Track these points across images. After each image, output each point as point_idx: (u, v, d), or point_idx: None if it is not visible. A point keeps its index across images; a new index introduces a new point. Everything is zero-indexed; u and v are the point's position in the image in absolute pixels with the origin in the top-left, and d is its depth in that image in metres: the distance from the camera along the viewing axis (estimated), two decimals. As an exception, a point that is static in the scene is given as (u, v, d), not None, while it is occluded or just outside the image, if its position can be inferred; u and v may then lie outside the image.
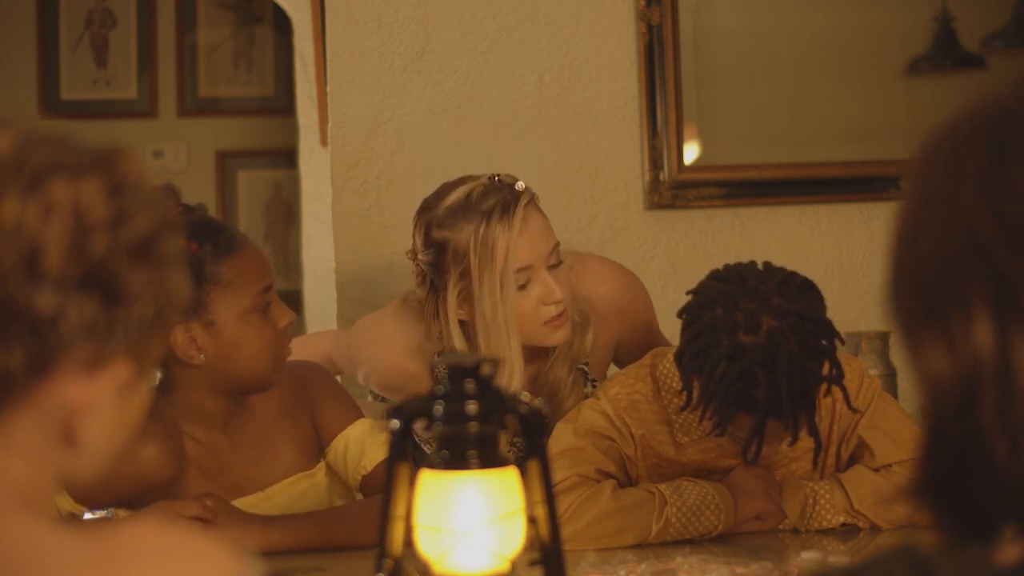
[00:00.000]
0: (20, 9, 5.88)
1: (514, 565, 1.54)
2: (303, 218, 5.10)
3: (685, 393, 2.20)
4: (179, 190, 2.27)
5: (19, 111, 5.76)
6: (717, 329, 2.13)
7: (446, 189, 2.52)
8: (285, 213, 6.03)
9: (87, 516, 2.31)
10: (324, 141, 4.37)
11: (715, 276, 2.23)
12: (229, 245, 2.26)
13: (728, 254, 3.43)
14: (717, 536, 2.26)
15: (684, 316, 2.21)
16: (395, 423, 1.57)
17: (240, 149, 6.06)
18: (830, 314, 2.20)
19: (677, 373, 2.27)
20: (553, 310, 2.48)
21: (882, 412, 2.36)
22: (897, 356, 3.30)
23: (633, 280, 2.77)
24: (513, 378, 2.47)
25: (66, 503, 2.23)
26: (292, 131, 5.25)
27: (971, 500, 0.90)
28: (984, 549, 0.89)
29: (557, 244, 2.52)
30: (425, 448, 2.45)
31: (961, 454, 0.90)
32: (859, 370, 2.37)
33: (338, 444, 2.41)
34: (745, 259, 3.40)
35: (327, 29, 3.31)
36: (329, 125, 3.33)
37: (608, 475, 2.30)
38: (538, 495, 1.58)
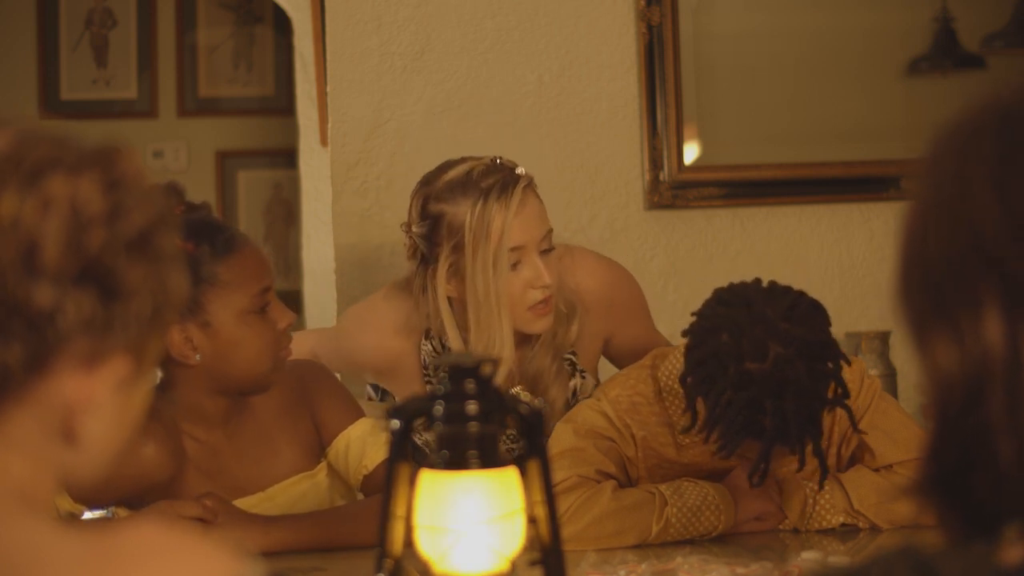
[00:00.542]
0: (20, 9, 5.88)
1: (514, 565, 1.54)
2: (303, 218, 5.11)
3: (689, 413, 2.18)
4: (183, 188, 2.27)
5: (19, 111, 5.76)
6: (723, 356, 2.10)
7: (448, 165, 2.57)
8: (285, 213, 6.03)
9: (86, 515, 2.31)
10: (324, 141, 4.37)
11: (720, 300, 2.18)
12: (227, 245, 2.25)
13: (728, 254, 3.43)
14: (717, 536, 2.26)
15: (688, 339, 2.18)
16: (395, 423, 1.57)
17: (240, 149, 6.06)
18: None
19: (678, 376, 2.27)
20: (540, 295, 2.52)
21: (882, 412, 2.36)
22: (897, 356, 3.30)
23: (622, 274, 2.78)
24: (503, 356, 2.50)
25: (65, 502, 2.23)
26: (292, 131, 5.25)
27: (975, 498, 0.91)
28: (987, 549, 0.89)
29: (550, 231, 2.55)
30: (417, 439, 2.46)
31: (966, 452, 0.91)
32: (859, 370, 2.37)
33: (339, 444, 2.41)
34: (745, 259, 3.42)
35: (327, 29, 3.31)
36: (329, 125, 3.33)
37: (608, 476, 2.29)
38: (538, 495, 1.58)
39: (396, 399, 2.77)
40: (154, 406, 2.29)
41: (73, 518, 2.25)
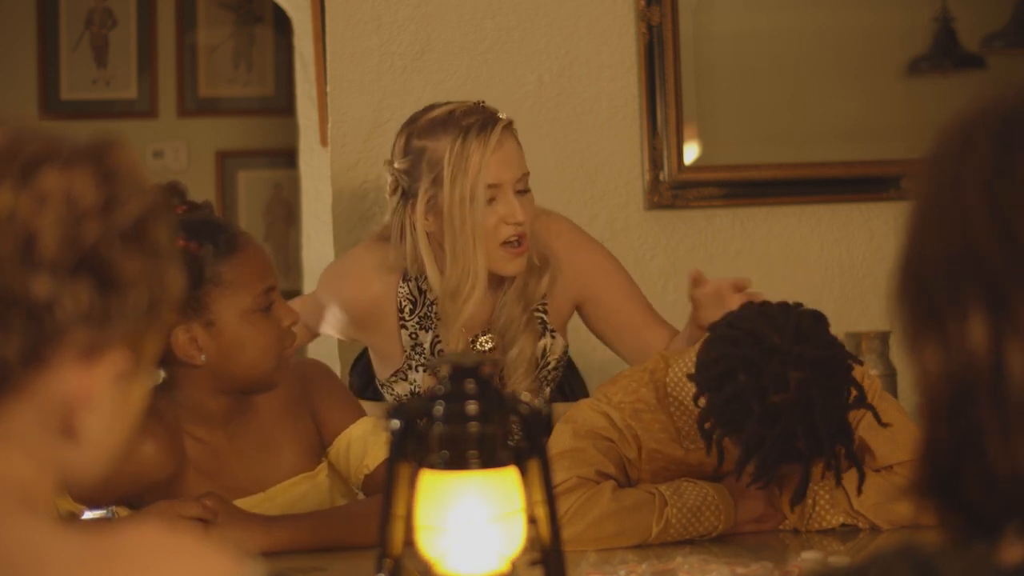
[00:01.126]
0: (20, 9, 5.88)
1: (514, 565, 1.54)
2: (303, 218, 5.10)
3: (716, 452, 2.17)
4: (185, 188, 2.27)
5: (19, 111, 5.76)
6: (746, 396, 2.09)
7: (433, 106, 2.66)
8: (285, 213, 6.03)
9: (86, 515, 2.31)
10: (324, 141, 4.36)
11: (724, 338, 2.15)
12: (230, 245, 2.25)
13: (728, 254, 3.43)
14: (717, 536, 2.26)
15: (702, 384, 2.15)
16: (395, 423, 1.57)
17: (240, 149, 6.06)
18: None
19: (685, 386, 2.27)
20: (512, 231, 2.59)
21: (883, 413, 2.36)
22: (897, 356, 3.30)
23: (591, 243, 2.81)
24: (476, 287, 2.59)
25: (65, 502, 2.23)
26: (292, 131, 5.25)
27: (969, 499, 0.91)
28: (987, 549, 0.89)
29: (526, 174, 2.63)
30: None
31: (957, 453, 0.91)
32: (860, 371, 2.37)
33: (340, 443, 2.41)
34: (745, 259, 3.42)
35: (327, 29, 3.31)
36: (329, 125, 3.33)
37: (608, 477, 2.29)
38: (538, 495, 1.57)
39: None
40: (155, 406, 2.31)
41: (73, 518, 2.25)
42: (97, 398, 1.00)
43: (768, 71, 3.46)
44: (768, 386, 2.08)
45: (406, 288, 2.70)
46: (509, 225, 2.59)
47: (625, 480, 2.33)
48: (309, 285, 5.02)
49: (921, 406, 0.94)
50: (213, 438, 2.35)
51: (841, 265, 3.47)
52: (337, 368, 3.14)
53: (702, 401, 2.15)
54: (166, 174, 5.71)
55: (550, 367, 2.74)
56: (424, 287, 2.69)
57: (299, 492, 2.39)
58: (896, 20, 3.49)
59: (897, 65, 3.51)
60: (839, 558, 2.12)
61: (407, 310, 2.71)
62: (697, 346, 2.29)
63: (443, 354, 2.67)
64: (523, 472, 1.57)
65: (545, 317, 2.72)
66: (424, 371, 2.71)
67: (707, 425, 2.14)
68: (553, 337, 2.73)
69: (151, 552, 0.92)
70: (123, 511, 2.33)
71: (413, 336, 2.71)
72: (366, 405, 2.58)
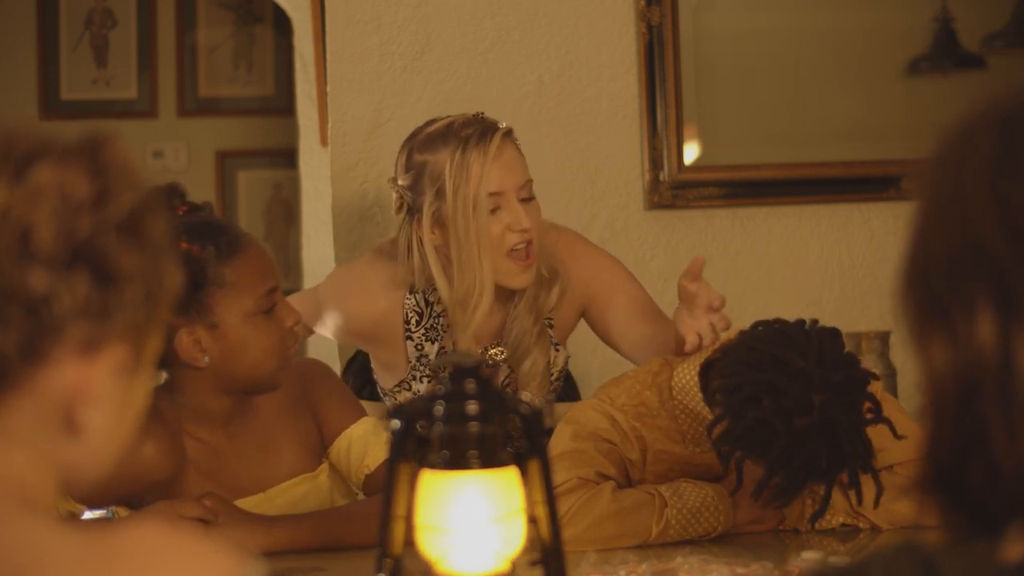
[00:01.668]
0: (20, 9, 5.88)
1: (514, 565, 1.54)
2: (303, 218, 5.11)
3: (735, 474, 2.17)
4: (185, 189, 2.28)
5: (19, 111, 5.77)
6: (770, 420, 2.09)
7: (432, 121, 2.66)
8: (285, 213, 6.03)
9: (86, 515, 2.31)
10: (324, 141, 4.37)
11: (744, 361, 2.15)
12: (232, 246, 2.25)
13: (728, 254, 3.43)
14: (717, 536, 2.26)
15: (725, 410, 2.15)
16: (396, 423, 1.57)
17: (240, 149, 6.06)
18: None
19: (690, 391, 2.27)
20: (518, 238, 2.58)
21: (885, 414, 2.36)
22: (897, 356, 3.30)
23: (603, 257, 2.79)
24: (484, 296, 2.58)
25: (65, 502, 2.23)
26: (292, 131, 5.25)
27: (973, 496, 0.91)
28: (989, 546, 0.89)
29: (529, 181, 2.62)
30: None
31: (962, 450, 0.91)
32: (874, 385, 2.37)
33: (341, 443, 2.40)
34: (745, 259, 3.42)
35: (327, 29, 3.31)
36: (329, 125, 3.33)
37: (608, 478, 2.29)
38: (539, 495, 1.57)
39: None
40: (156, 406, 2.31)
41: (73, 518, 2.25)
42: (98, 392, 1.00)
43: (768, 71, 3.46)
44: (793, 411, 2.08)
45: (413, 300, 2.69)
46: (515, 233, 2.58)
47: (626, 482, 2.33)
48: (309, 285, 5.01)
49: (926, 403, 0.95)
50: (213, 438, 2.35)
51: (841, 265, 3.47)
52: (337, 368, 3.14)
53: (722, 426, 2.14)
54: (166, 174, 5.71)
55: (554, 378, 2.75)
56: (431, 299, 2.68)
57: (300, 493, 2.39)
58: (896, 20, 3.49)
59: (897, 65, 3.51)
60: (839, 558, 2.12)
61: (413, 322, 2.70)
62: (702, 355, 2.30)
63: (444, 353, 2.67)
64: (523, 472, 1.57)
65: (550, 330, 2.72)
66: (428, 382, 2.71)
67: (725, 448, 2.14)
68: (557, 350, 2.74)
69: (152, 552, 0.92)
70: (123, 511, 2.33)
71: (419, 347, 2.70)
72: (366, 405, 2.58)
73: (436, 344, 2.69)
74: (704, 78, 3.40)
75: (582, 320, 2.81)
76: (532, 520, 1.57)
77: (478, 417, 1.54)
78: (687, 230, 3.41)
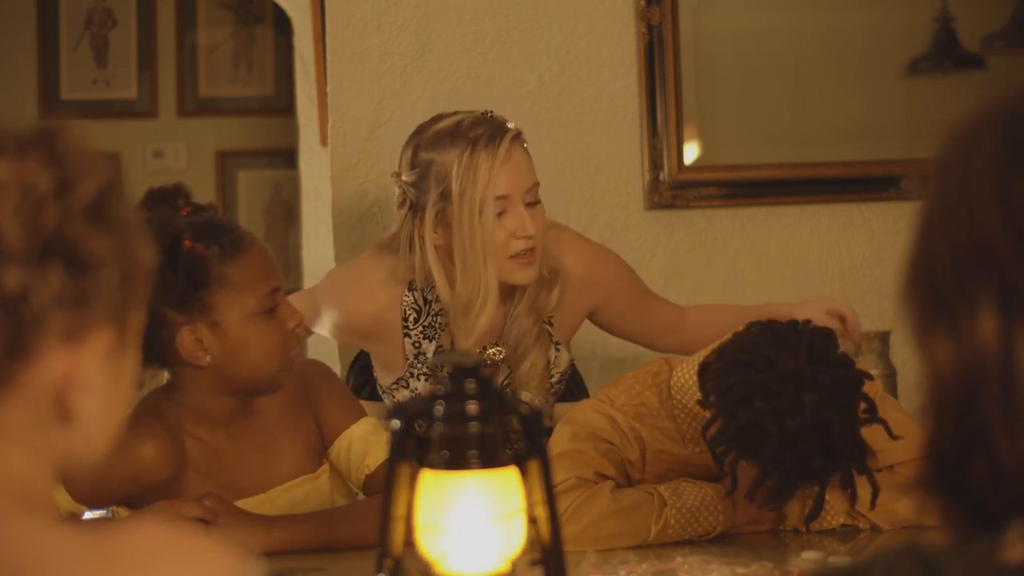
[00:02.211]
0: (20, 9, 5.88)
1: (514, 565, 1.54)
2: (303, 218, 5.11)
3: (729, 476, 2.18)
4: (190, 190, 2.28)
5: (19, 111, 5.77)
6: (763, 421, 2.09)
7: (440, 116, 2.63)
8: (285, 213, 6.03)
9: (87, 515, 2.31)
10: (324, 141, 4.37)
11: (737, 362, 2.16)
12: (235, 246, 2.26)
13: (728, 254, 3.43)
14: (717, 536, 2.26)
15: (717, 411, 2.15)
16: (395, 423, 1.57)
17: (240, 149, 6.06)
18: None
19: (689, 390, 2.27)
20: (522, 244, 2.57)
21: (884, 414, 2.36)
22: (897, 356, 3.30)
23: (602, 256, 2.81)
24: (488, 302, 2.56)
25: (66, 502, 2.23)
26: (292, 131, 5.25)
27: (975, 494, 0.91)
28: (989, 546, 0.89)
29: (536, 184, 2.60)
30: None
31: (964, 448, 0.91)
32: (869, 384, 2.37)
33: (341, 443, 2.40)
34: (745, 259, 3.42)
35: (327, 29, 3.31)
36: (329, 125, 3.33)
37: (607, 478, 2.29)
38: (539, 495, 1.57)
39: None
40: (157, 406, 2.31)
41: (74, 518, 2.25)
42: (87, 378, 1.00)
43: (768, 71, 3.46)
44: (784, 411, 2.08)
45: (411, 297, 2.68)
46: (519, 239, 2.56)
47: (625, 482, 2.33)
48: (309, 285, 5.01)
49: (928, 401, 0.95)
50: (214, 438, 2.35)
51: (841, 265, 3.47)
52: (337, 368, 3.14)
53: (716, 427, 2.15)
54: (166, 174, 5.71)
55: (554, 380, 2.73)
56: (430, 297, 2.66)
57: (300, 494, 2.39)
58: (896, 20, 3.49)
59: (897, 65, 3.51)
60: (839, 558, 2.12)
61: (411, 319, 2.68)
62: (701, 354, 2.29)
63: (442, 352, 2.67)
64: (523, 472, 1.57)
65: (551, 330, 2.71)
66: (426, 380, 2.70)
67: (719, 450, 2.15)
68: (558, 350, 2.72)
69: (152, 551, 0.92)
70: (123, 511, 2.34)
71: (416, 345, 2.69)
72: (366, 405, 2.58)
73: (434, 342, 2.68)
74: (704, 78, 3.40)
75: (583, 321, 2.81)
76: (532, 520, 1.57)
77: (478, 417, 1.54)
78: (687, 230, 3.41)
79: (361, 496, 2.43)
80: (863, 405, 2.15)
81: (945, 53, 3.50)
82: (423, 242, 2.59)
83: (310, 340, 3.43)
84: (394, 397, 2.75)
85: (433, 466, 1.55)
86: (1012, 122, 0.93)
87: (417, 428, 1.55)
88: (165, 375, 2.35)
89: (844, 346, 2.29)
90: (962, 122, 0.96)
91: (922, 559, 0.90)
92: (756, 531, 2.30)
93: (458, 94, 3.28)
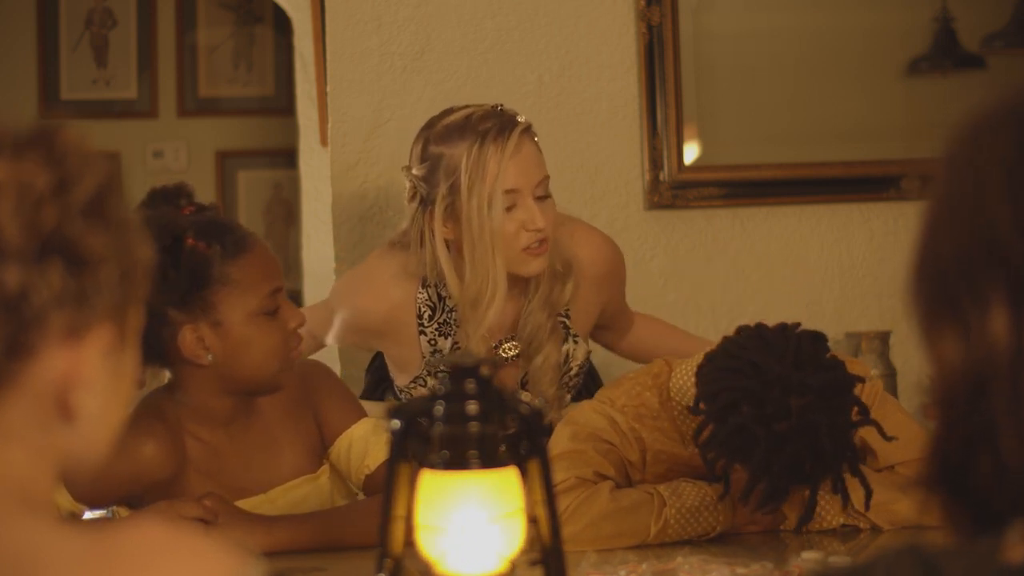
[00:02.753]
0: (20, 9, 5.88)
1: (514, 565, 1.54)
2: (303, 218, 5.11)
3: (723, 482, 2.19)
4: (192, 189, 2.28)
5: (19, 111, 5.77)
6: (750, 426, 2.09)
7: (450, 110, 2.62)
8: (285, 213, 6.03)
9: (87, 515, 2.31)
10: (324, 141, 4.37)
11: (724, 367, 2.16)
12: (238, 246, 2.26)
13: (728, 254, 3.43)
14: (717, 536, 2.26)
15: (706, 416, 2.16)
16: (395, 423, 1.57)
17: (240, 149, 6.06)
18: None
19: (688, 391, 2.27)
20: (533, 237, 2.56)
21: (885, 414, 2.36)
22: (897, 356, 3.30)
23: (617, 251, 2.82)
24: (496, 295, 2.56)
25: (66, 502, 2.23)
26: (292, 131, 5.25)
27: (979, 493, 0.91)
28: (991, 547, 0.89)
29: (546, 178, 2.60)
30: None
31: (970, 446, 0.91)
32: (862, 372, 2.37)
33: (341, 443, 2.40)
34: (745, 259, 3.42)
35: (327, 29, 3.31)
36: (329, 125, 3.33)
37: (606, 479, 2.29)
38: (539, 495, 1.57)
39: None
40: (158, 405, 2.31)
41: (74, 518, 2.25)
42: (88, 376, 1.01)
43: (768, 71, 3.46)
44: (771, 416, 2.08)
45: (425, 294, 2.66)
46: (529, 232, 2.55)
47: (625, 482, 2.33)
48: (309, 285, 5.02)
49: (935, 399, 0.95)
50: (215, 438, 2.35)
51: (841, 265, 3.47)
52: (337, 369, 3.14)
53: (706, 432, 2.15)
54: (166, 174, 5.72)
55: (572, 373, 2.72)
56: (444, 293, 2.65)
57: (301, 494, 2.39)
58: (896, 20, 3.50)
59: (897, 65, 3.51)
60: (839, 558, 2.12)
61: (426, 316, 2.67)
62: (699, 356, 2.29)
63: (458, 349, 2.66)
64: (523, 472, 1.57)
65: (567, 322, 2.70)
66: None
67: (711, 455, 2.15)
68: (576, 342, 2.71)
69: (152, 551, 0.92)
70: (123, 511, 2.34)
71: (432, 343, 2.68)
72: (368, 405, 2.58)
73: (449, 339, 2.67)
74: (704, 78, 3.40)
75: None
76: (532, 520, 1.57)
77: (478, 417, 1.54)
78: (687, 230, 3.41)
79: (361, 496, 2.43)
80: (856, 408, 2.15)
81: (945, 53, 3.50)
82: (433, 236, 2.58)
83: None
84: (412, 396, 2.74)
85: (433, 466, 1.55)
86: (1021, 121, 0.94)
87: (422, 422, 1.55)
88: (166, 375, 2.35)
89: None
90: (968, 121, 0.96)
91: (923, 559, 0.90)
92: (756, 531, 2.30)
93: (458, 94, 3.28)
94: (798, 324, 2.20)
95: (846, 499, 2.20)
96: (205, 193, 5.75)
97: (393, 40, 3.28)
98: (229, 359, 2.26)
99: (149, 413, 2.30)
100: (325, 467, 2.42)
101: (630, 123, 3.38)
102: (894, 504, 2.27)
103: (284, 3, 4.81)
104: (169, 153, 6.00)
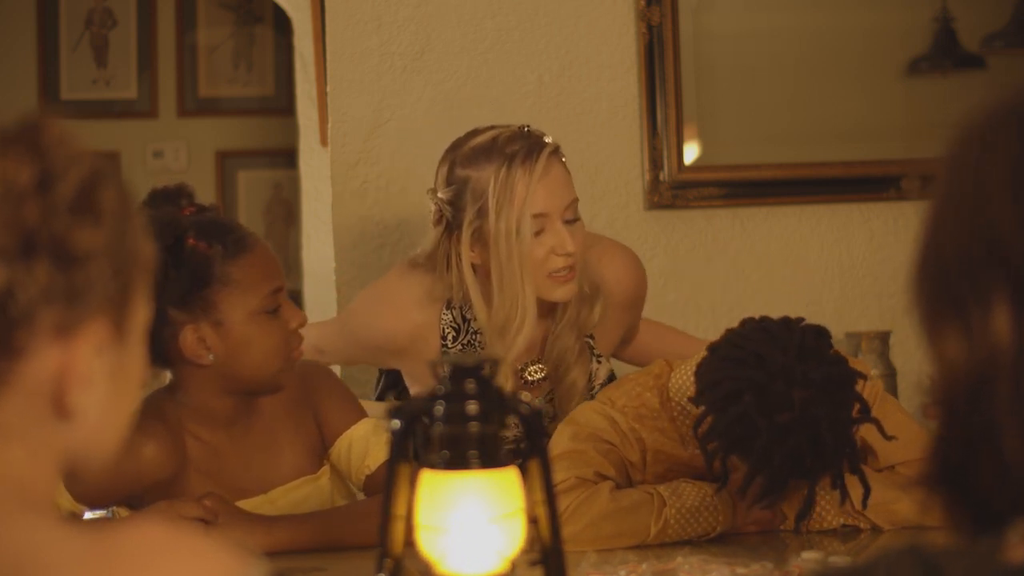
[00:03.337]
0: (20, 9, 5.88)
1: (514, 565, 1.54)
2: (303, 218, 5.11)
3: (721, 475, 2.18)
4: (193, 190, 2.28)
5: (19, 111, 5.76)
6: (751, 417, 2.09)
7: (476, 132, 2.57)
8: (285, 213, 6.03)
9: (87, 515, 2.31)
10: (324, 141, 4.37)
11: (727, 357, 2.16)
12: (239, 245, 2.26)
13: (728, 254, 3.43)
14: (717, 536, 2.26)
15: (707, 405, 2.15)
16: (395, 423, 1.57)
17: (240, 149, 6.06)
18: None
19: (688, 392, 2.27)
20: (562, 262, 2.51)
21: (885, 414, 2.36)
22: (897, 356, 3.30)
23: (644, 274, 2.79)
24: (526, 322, 2.51)
25: (66, 503, 2.23)
26: (292, 131, 5.25)
27: (980, 493, 0.91)
28: (991, 547, 0.89)
29: (575, 200, 2.54)
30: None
31: (971, 446, 0.91)
32: (862, 371, 2.37)
33: (341, 444, 2.40)
34: (745, 259, 3.42)
35: (327, 29, 3.31)
36: (329, 125, 3.33)
37: (607, 479, 2.29)
38: (539, 495, 1.58)
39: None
40: (158, 405, 2.31)
41: (74, 518, 2.25)
42: (83, 373, 1.00)
43: (768, 71, 3.46)
44: (773, 407, 2.08)
45: (449, 316, 2.61)
46: (559, 256, 2.50)
47: (626, 483, 2.33)
48: (309, 285, 5.03)
49: (936, 398, 0.95)
50: (215, 438, 2.35)
51: (841, 265, 3.47)
52: (337, 369, 3.14)
53: (707, 422, 2.15)
54: (166, 174, 5.71)
55: (594, 392, 2.70)
56: (468, 315, 2.59)
57: (301, 495, 2.39)
58: (896, 20, 3.50)
59: (897, 65, 3.51)
60: (839, 558, 2.12)
61: (450, 338, 2.62)
62: (699, 356, 2.29)
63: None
64: (523, 472, 1.57)
65: (592, 342, 2.67)
66: None
67: (711, 446, 2.15)
68: (599, 362, 2.68)
69: (153, 551, 0.92)
70: (123, 511, 2.34)
71: None
72: (368, 406, 2.58)
73: None
74: (704, 78, 3.40)
75: None
76: (532, 520, 1.57)
77: (478, 417, 1.54)
78: (687, 230, 3.41)
79: (361, 496, 2.43)
80: (857, 405, 2.15)
81: (945, 53, 3.50)
82: (459, 260, 2.54)
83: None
84: None
85: (433, 466, 1.55)
86: (1022, 121, 0.94)
87: (422, 422, 1.55)
88: (167, 375, 2.35)
89: None
90: (971, 121, 0.96)
91: (923, 560, 0.90)
92: (756, 531, 2.30)
93: (458, 94, 3.28)
94: (802, 318, 2.20)
95: (844, 495, 2.20)
96: (205, 193, 5.75)
97: (393, 40, 3.28)
98: (230, 359, 2.26)
99: (150, 413, 2.29)
100: (325, 467, 2.42)
101: (630, 123, 3.38)
102: (894, 504, 2.27)
103: (284, 3, 4.81)
104: (169, 153, 6.00)
